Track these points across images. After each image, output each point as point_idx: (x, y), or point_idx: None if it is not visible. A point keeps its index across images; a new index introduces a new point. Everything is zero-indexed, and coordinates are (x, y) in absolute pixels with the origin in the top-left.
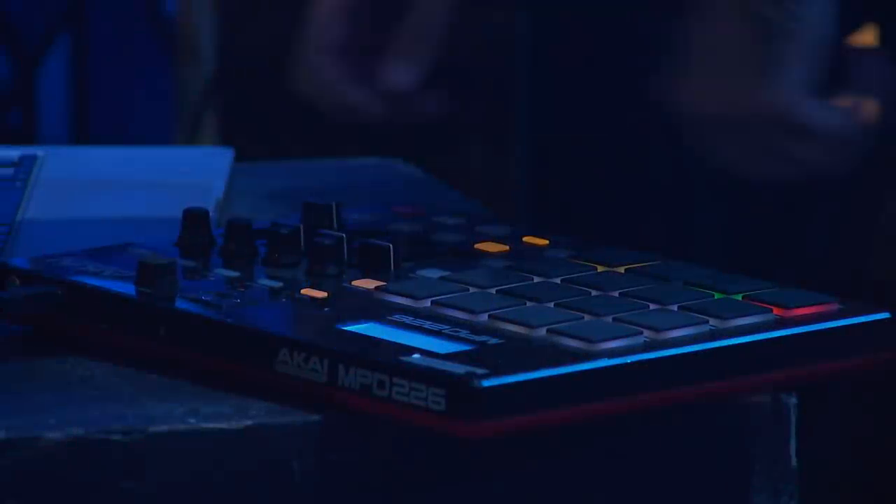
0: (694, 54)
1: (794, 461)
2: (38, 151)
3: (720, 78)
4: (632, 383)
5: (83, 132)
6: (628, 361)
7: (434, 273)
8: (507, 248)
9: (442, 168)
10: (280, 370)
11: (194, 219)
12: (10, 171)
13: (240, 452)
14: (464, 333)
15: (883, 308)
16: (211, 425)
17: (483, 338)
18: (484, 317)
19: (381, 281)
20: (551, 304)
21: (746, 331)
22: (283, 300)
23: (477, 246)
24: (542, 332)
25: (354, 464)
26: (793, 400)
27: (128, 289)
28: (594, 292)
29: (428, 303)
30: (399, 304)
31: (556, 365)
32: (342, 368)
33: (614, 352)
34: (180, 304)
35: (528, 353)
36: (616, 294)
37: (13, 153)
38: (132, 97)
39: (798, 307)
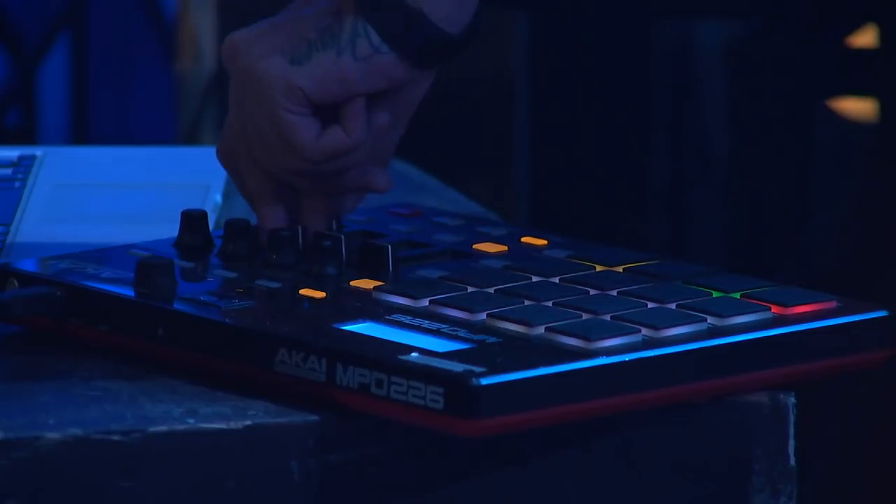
0: None
1: (792, 461)
2: (38, 151)
3: None
4: (630, 381)
5: (83, 132)
6: (626, 359)
7: (432, 273)
8: (505, 248)
9: (442, 168)
10: (279, 370)
11: (193, 220)
12: (9, 171)
13: (239, 452)
14: (462, 332)
15: (881, 306)
16: (210, 425)
17: (481, 337)
18: (482, 316)
19: (379, 281)
20: (550, 304)
21: (745, 329)
22: (282, 300)
23: (475, 246)
24: (541, 330)
25: (353, 462)
26: (791, 400)
27: (126, 290)
28: (592, 291)
29: (426, 302)
30: (397, 303)
31: (554, 363)
32: (340, 367)
33: (612, 350)
34: (179, 305)
35: (527, 352)
36: (614, 293)
37: (12, 153)
38: (132, 97)
39: (796, 305)
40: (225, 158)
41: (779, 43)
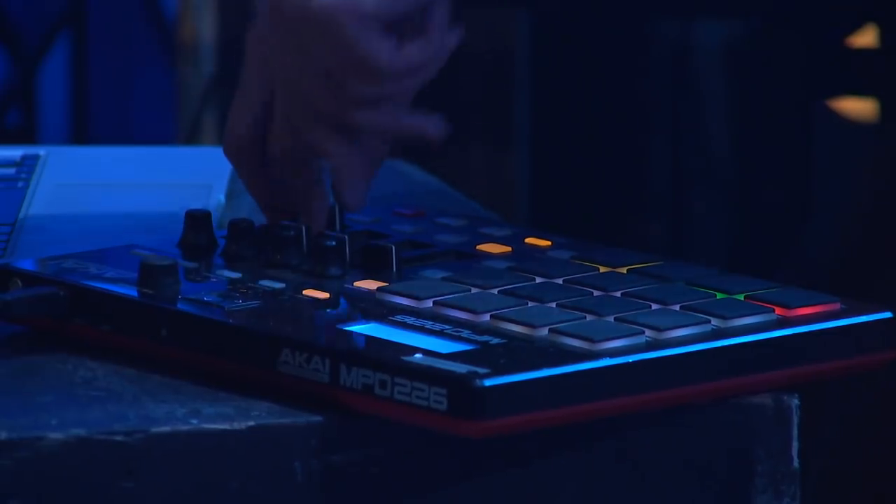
0: None
1: (796, 462)
2: (41, 151)
3: None
4: (633, 383)
5: (83, 132)
6: (630, 361)
7: (436, 274)
8: (509, 249)
9: (443, 169)
10: (282, 370)
11: (196, 220)
12: (12, 170)
13: (242, 453)
14: (466, 333)
15: (884, 308)
16: (213, 426)
17: (485, 338)
18: (486, 317)
19: (383, 282)
20: (553, 305)
21: (748, 330)
22: (286, 301)
23: (479, 247)
24: (544, 331)
25: (357, 463)
26: (795, 401)
27: (130, 290)
28: (596, 292)
29: (430, 303)
30: (401, 304)
31: (557, 364)
32: (344, 368)
33: (616, 351)
34: (182, 305)
35: (530, 353)
36: (618, 294)
37: (15, 153)
38: (132, 97)
39: (800, 307)
40: (233, 154)
41: (779, 43)
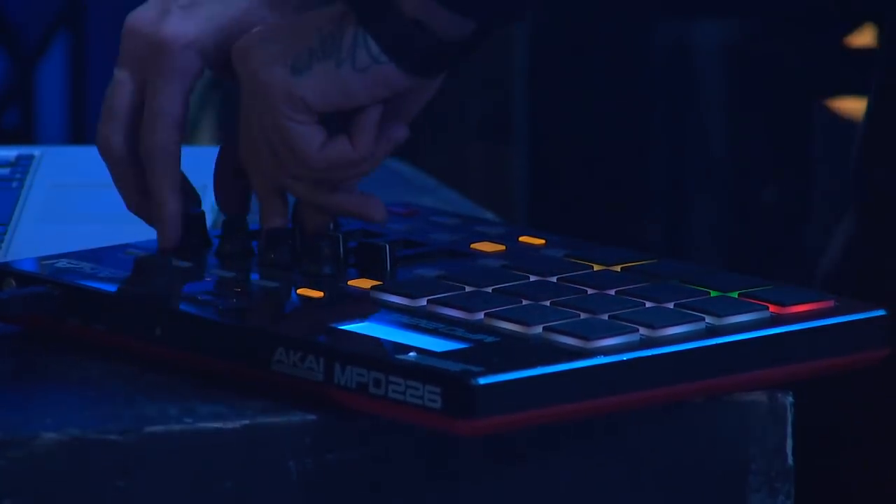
0: None
1: (790, 460)
2: (36, 151)
3: None
4: (628, 381)
5: (81, 132)
6: (624, 359)
7: (430, 272)
8: (503, 247)
9: (440, 168)
10: (276, 369)
11: (190, 219)
12: (6, 170)
13: (236, 452)
14: (460, 332)
15: (878, 305)
16: (207, 425)
17: (479, 336)
18: (480, 315)
19: (377, 280)
20: (547, 303)
21: (742, 328)
22: (280, 300)
23: (473, 246)
24: (538, 330)
25: (351, 462)
26: (789, 399)
27: (124, 290)
28: (590, 291)
29: (424, 302)
30: (395, 303)
31: (551, 363)
32: (338, 367)
33: (610, 349)
34: (176, 304)
35: (524, 351)
36: (612, 292)
37: (10, 153)
38: None
39: (794, 304)
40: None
41: (778, 43)
